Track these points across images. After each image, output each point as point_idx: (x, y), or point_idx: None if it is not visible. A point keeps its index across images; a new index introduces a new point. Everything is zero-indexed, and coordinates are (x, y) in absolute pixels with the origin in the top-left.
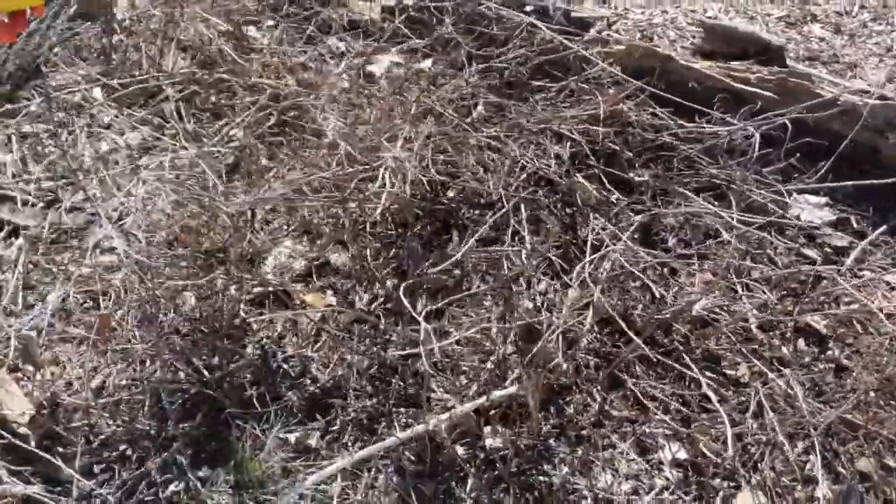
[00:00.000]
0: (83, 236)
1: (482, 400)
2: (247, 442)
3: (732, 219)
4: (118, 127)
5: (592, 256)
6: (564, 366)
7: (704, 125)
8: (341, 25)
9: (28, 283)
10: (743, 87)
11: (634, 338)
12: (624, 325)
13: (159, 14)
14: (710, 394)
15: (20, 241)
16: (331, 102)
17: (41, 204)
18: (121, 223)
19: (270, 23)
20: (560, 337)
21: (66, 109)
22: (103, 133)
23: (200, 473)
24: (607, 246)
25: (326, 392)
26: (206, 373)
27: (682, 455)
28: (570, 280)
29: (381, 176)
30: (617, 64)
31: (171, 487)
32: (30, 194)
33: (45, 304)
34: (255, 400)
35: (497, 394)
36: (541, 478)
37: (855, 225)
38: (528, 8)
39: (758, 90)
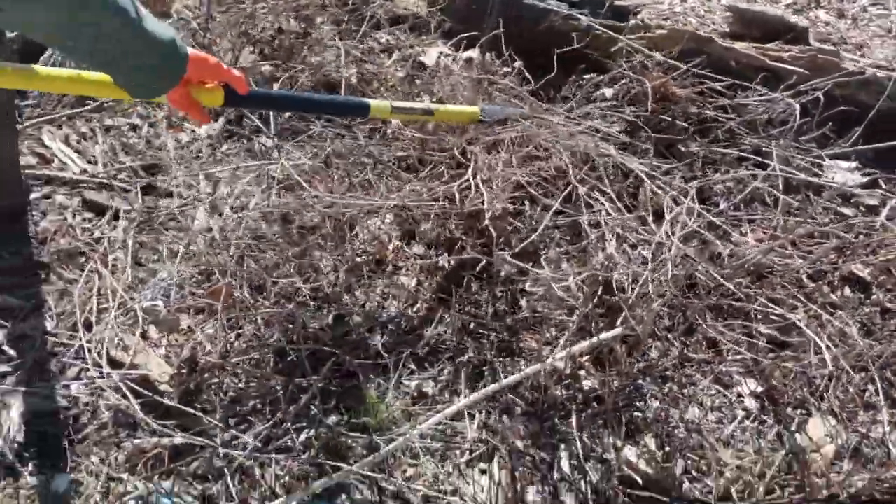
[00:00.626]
0: (180, 218)
1: (585, 343)
2: (373, 390)
3: (778, 183)
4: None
5: (670, 216)
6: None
7: (749, 99)
8: (387, 20)
9: (137, 260)
10: (778, 64)
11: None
12: (706, 275)
13: (232, 11)
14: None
15: (123, 222)
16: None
17: (134, 190)
18: (214, 206)
19: (319, 19)
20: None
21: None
22: (183, 125)
23: (330, 421)
24: (671, 210)
25: (433, 346)
26: (325, 331)
27: (758, 389)
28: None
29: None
30: (660, 49)
31: (304, 434)
32: (125, 181)
33: (159, 278)
34: (373, 354)
35: (605, 335)
36: (635, 413)
37: (883, 185)
38: None
39: (791, 67)
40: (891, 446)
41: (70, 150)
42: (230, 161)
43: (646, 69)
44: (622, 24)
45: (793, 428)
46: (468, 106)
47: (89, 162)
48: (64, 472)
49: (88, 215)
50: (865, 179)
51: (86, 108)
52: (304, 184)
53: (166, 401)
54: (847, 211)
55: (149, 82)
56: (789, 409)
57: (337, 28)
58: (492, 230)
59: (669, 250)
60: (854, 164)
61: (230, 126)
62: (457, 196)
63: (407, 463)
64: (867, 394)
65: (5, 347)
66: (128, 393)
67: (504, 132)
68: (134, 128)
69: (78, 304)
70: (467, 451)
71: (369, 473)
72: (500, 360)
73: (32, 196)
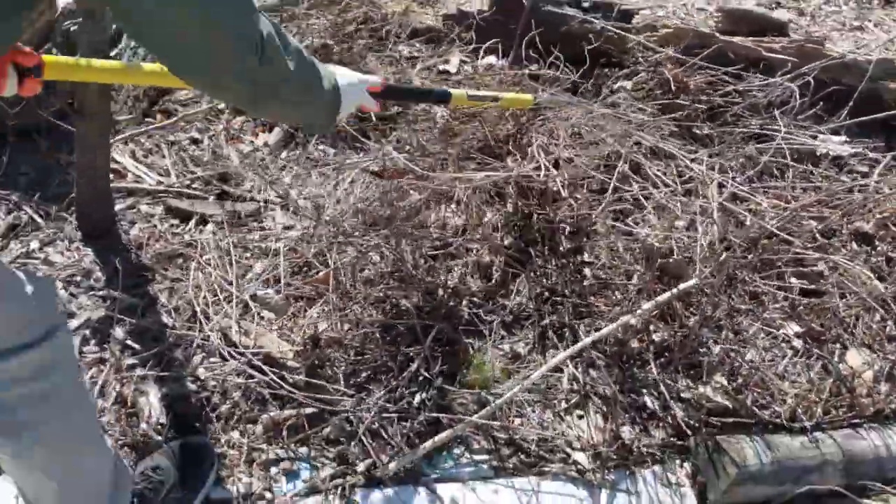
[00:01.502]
0: (259, 219)
1: (663, 296)
2: (475, 352)
3: (785, 156)
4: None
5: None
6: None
7: (753, 84)
8: (406, 34)
9: (230, 259)
10: (771, 55)
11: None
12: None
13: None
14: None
15: (210, 226)
16: None
17: (211, 197)
18: (290, 207)
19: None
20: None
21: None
22: (241, 137)
23: (439, 383)
24: (703, 183)
25: (516, 314)
26: (422, 306)
27: (799, 330)
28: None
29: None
30: (667, 45)
31: (418, 397)
32: (199, 190)
33: (255, 273)
34: (465, 323)
35: (683, 286)
36: (701, 358)
37: (870, 154)
38: (585, 4)
39: (782, 56)
40: None
41: (141, 165)
42: (291, 167)
43: (659, 64)
44: (630, 26)
45: (835, 359)
46: (524, 94)
47: (160, 174)
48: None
49: (174, 221)
50: (854, 150)
51: (151, 126)
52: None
53: (294, 376)
54: (844, 178)
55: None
56: (829, 345)
57: (367, 41)
58: (569, 198)
59: (711, 215)
60: (844, 138)
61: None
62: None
63: (514, 415)
64: (888, 328)
65: (129, 342)
66: (264, 367)
67: (556, 121)
68: (195, 141)
69: (192, 297)
70: (563, 400)
71: (485, 421)
72: (578, 321)
73: (117, 207)
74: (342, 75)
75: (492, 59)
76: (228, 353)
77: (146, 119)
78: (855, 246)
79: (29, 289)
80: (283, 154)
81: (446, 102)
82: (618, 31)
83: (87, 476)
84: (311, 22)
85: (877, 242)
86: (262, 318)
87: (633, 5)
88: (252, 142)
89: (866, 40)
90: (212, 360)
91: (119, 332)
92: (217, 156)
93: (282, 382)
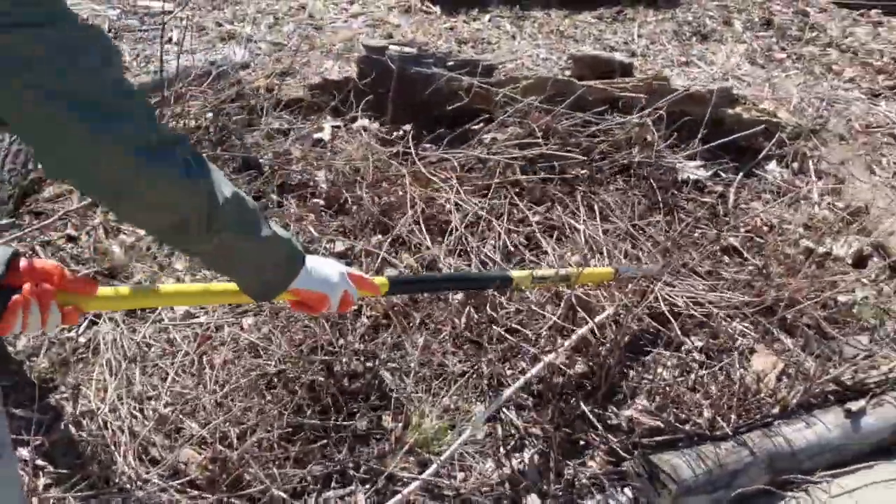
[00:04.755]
0: (156, 309)
1: (574, 337)
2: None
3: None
4: None
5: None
6: None
7: (612, 121)
8: (274, 107)
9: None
10: (625, 93)
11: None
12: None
13: None
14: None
15: (106, 325)
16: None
17: None
18: None
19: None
20: None
21: None
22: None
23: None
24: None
25: (439, 372)
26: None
27: (699, 343)
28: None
29: None
30: (530, 94)
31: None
32: None
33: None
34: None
35: (598, 318)
36: (620, 384)
37: (723, 175)
38: (449, 63)
39: (634, 94)
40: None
41: None
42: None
43: (527, 113)
44: (494, 80)
45: (737, 366)
46: (603, 268)
47: None
48: None
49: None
50: (710, 173)
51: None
52: None
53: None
54: (706, 199)
55: (268, 286)
56: (732, 353)
57: (240, 117)
58: None
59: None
60: (699, 163)
61: None
62: None
63: (457, 469)
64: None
65: (38, 461)
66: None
67: None
68: (72, 239)
69: (94, 407)
70: (502, 446)
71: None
72: (503, 365)
73: None
74: (324, 263)
75: (365, 122)
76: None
77: (14, 221)
78: (727, 259)
79: None
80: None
81: (506, 287)
82: (484, 86)
83: None
84: (190, 104)
85: (745, 254)
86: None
87: (489, 59)
88: (134, 231)
89: (694, 73)
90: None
91: (24, 452)
92: (99, 251)
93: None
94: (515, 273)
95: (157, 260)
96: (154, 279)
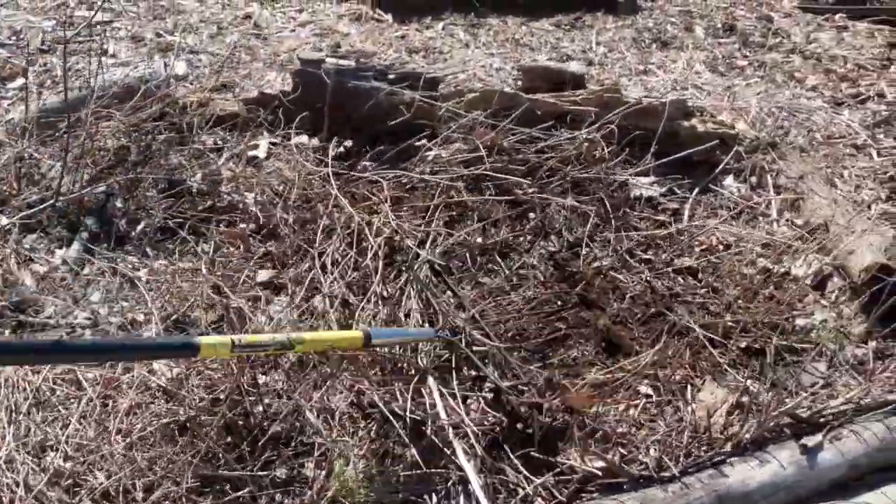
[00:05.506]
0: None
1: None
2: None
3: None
4: None
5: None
6: None
7: (560, 136)
8: (207, 122)
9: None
10: (575, 107)
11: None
12: None
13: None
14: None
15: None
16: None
17: (6, 331)
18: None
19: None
20: None
21: None
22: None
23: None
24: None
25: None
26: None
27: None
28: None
29: None
30: (475, 109)
31: None
32: None
33: None
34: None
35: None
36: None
37: (678, 191)
38: (391, 76)
39: (584, 108)
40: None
41: None
42: (98, 282)
43: (472, 129)
44: (438, 94)
45: (688, 398)
46: (347, 331)
47: None
48: None
49: None
50: (664, 189)
51: None
52: None
53: None
54: (660, 217)
55: None
56: (680, 385)
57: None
58: None
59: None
60: (652, 179)
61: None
62: None
63: None
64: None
65: None
66: None
67: None
68: None
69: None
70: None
71: None
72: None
73: None
74: None
75: (303, 138)
76: None
77: None
78: (681, 280)
79: None
80: (86, 269)
81: (190, 356)
82: (426, 100)
83: None
84: (103, 125)
85: (700, 275)
86: None
87: (437, 70)
88: (48, 261)
89: (652, 83)
90: None
91: None
92: (8, 283)
93: None
94: (208, 339)
95: (71, 290)
96: (67, 313)
